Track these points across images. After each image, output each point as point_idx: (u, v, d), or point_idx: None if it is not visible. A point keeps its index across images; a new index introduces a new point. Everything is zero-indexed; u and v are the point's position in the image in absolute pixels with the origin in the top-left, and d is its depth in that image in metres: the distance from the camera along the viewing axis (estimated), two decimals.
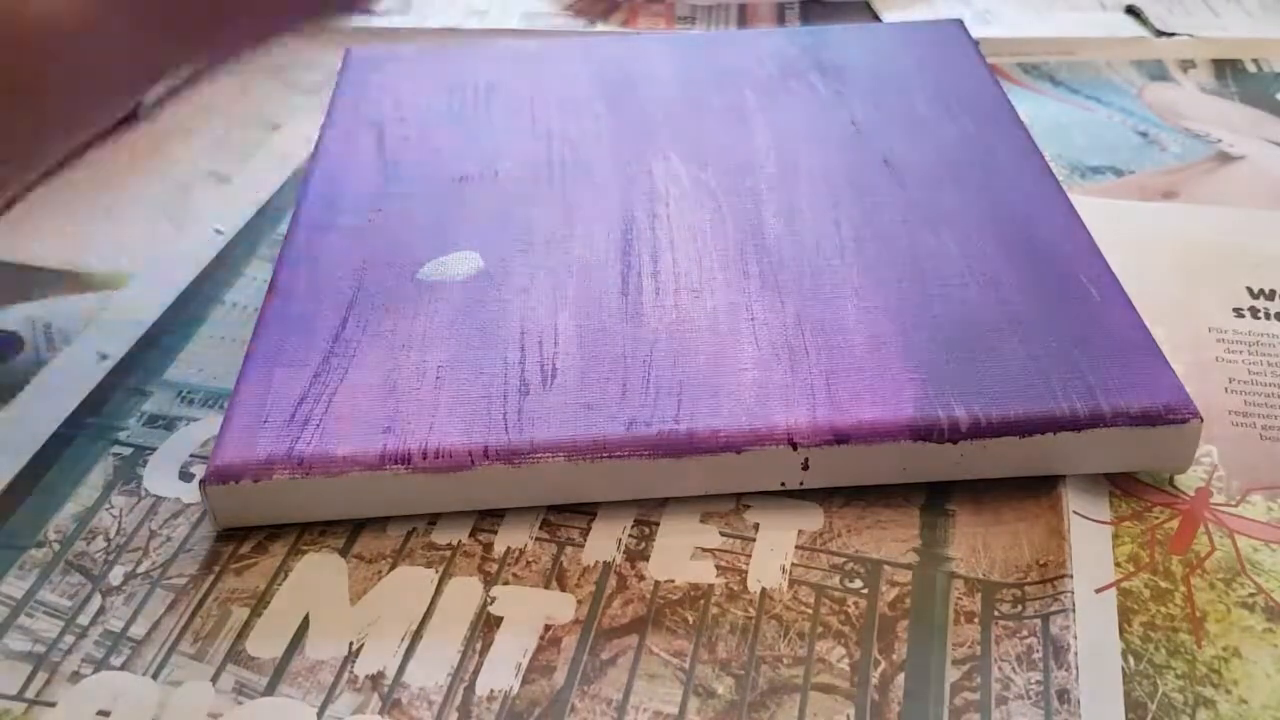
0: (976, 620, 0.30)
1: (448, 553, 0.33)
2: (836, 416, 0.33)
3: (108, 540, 0.34)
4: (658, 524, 0.33)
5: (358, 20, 0.64)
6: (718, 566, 0.32)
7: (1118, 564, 0.32)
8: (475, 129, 0.47)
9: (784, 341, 0.36)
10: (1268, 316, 0.40)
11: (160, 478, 0.35)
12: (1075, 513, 0.33)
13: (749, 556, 0.32)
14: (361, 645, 0.30)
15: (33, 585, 0.32)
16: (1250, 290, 0.41)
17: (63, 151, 0.32)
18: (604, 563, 0.32)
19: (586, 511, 0.34)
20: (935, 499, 0.34)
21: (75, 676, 0.30)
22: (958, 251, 0.39)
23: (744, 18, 0.64)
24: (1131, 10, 0.61)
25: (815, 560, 0.32)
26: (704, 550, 0.33)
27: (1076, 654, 0.29)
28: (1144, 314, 0.36)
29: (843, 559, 0.32)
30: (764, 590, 0.31)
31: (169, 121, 0.54)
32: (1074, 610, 0.30)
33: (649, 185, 0.43)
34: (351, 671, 0.30)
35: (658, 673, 0.30)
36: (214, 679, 0.30)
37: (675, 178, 0.44)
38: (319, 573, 0.32)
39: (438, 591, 0.32)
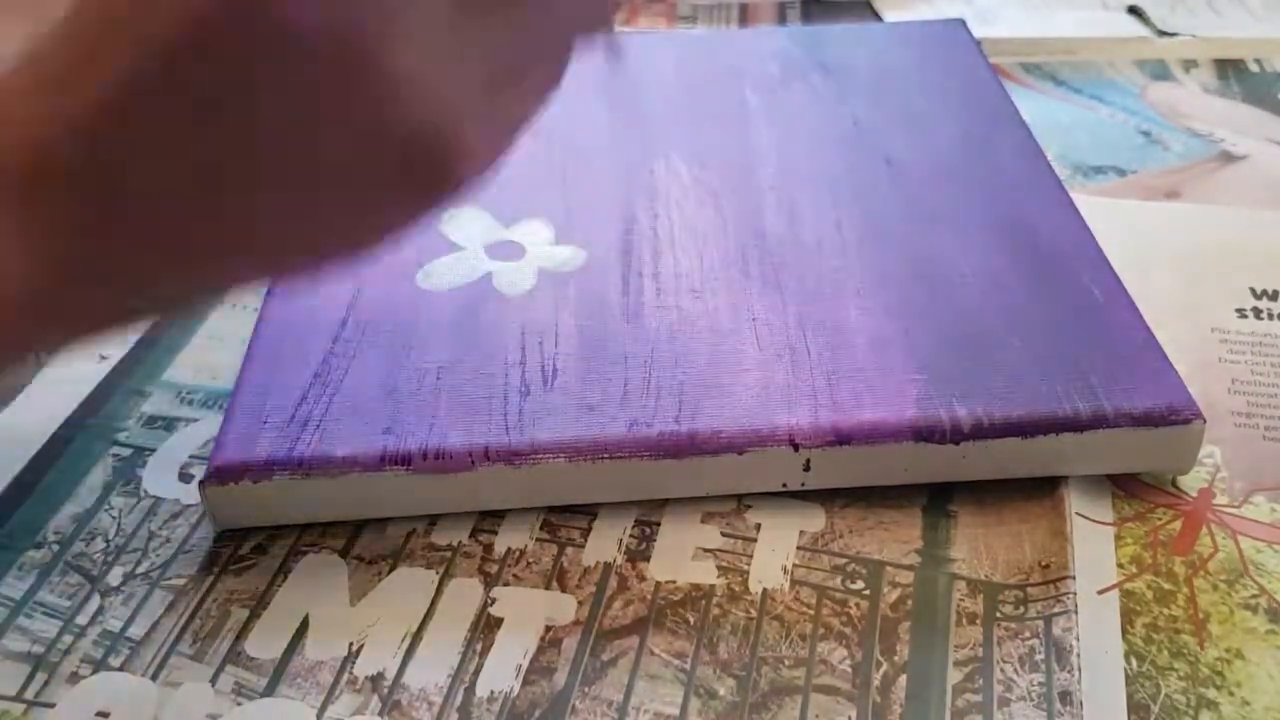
0: (979, 621, 0.30)
1: (448, 553, 0.33)
2: (838, 417, 0.33)
3: (107, 541, 0.33)
4: (659, 524, 0.33)
5: None
6: (719, 567, 0.32)
7: (1120, 565, 0.32)
8: None
9: (785, 342, 0.35)
10: (1271, 317, 0.40)
11: (159, 478, 0.35)
12: (1078, 514, 0.33)
13: (750, 557, 0.32)
14: (361, 646, 0.30)
15: (32, 586, 0.32)
16: (1253, 290, 0.41)
17: None
18: (605, 563, 0.32)
19: (587, 512, 0.34)
20: (937, 500, 0.34)
21: (74, 677, 0.30)
22: (959, 252, 0.39)
23: (745, 17, 0.64)
24: (1134, 10, 0.61)
25: (817, 561, 0.32)
26: (705, 551, 0.33)
27: (1079, 655, 0.29)
28: (1146, 314, 0.36)
29: (844, 560, 0.32)
30: (765, 591, 0.31)
31: None
32: (1076, 612, 0.30)
33: (650, 185, 0.43)
34: (351, 672, 0.30)
35: (659, 674, 0.29)
36: (213, 679, 0.30)
37: (676, 177, 0.43)
38: (319, 573, 0.32)
39: (438, 592, 0.32)
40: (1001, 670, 0.29)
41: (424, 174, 0.26)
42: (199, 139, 0.25)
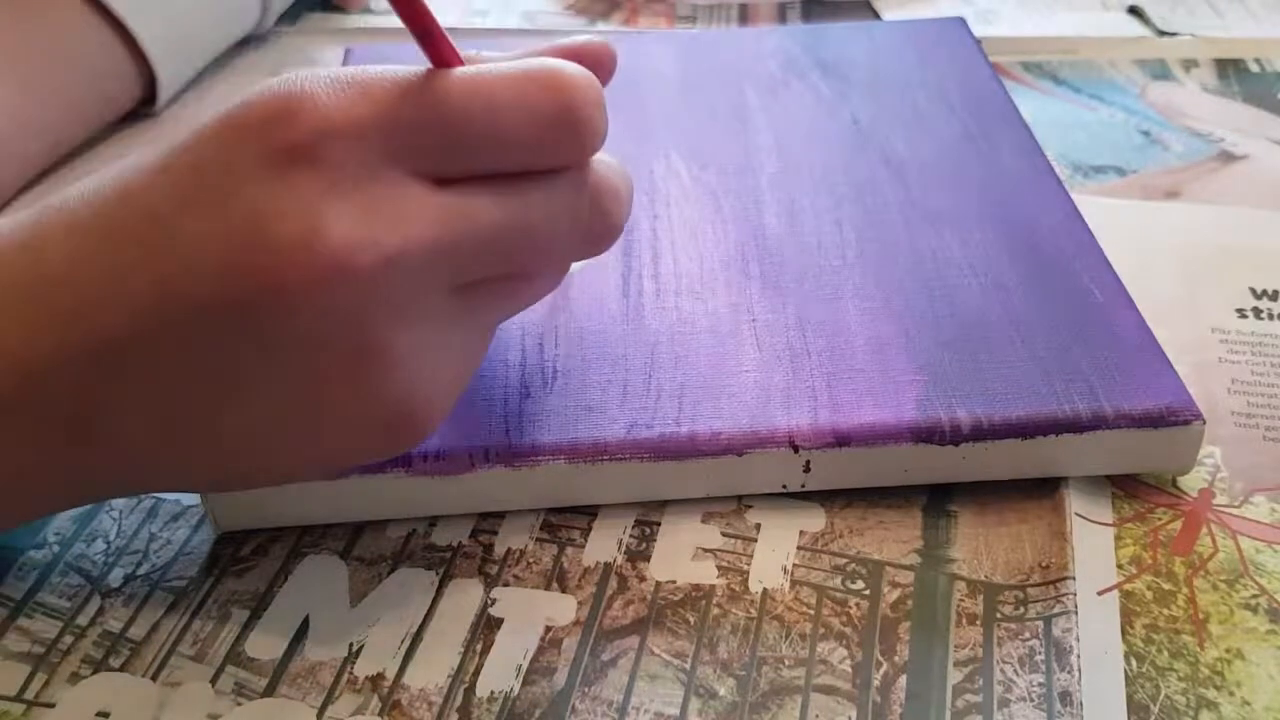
0: (979, 622, 0.30)
1: (448, 554, 0.33)
2: (838, 419, 0.33)
3: (107, 543, 0.33)
4: (659, 524, 0.33)
5: (357, 19, 0.64)
6: (719, 567, 0.32)
7: (1120, 566, 0.32)
8: None
9: (785, 343, 0.35)
10: (1271, 317, 0.40)
11: None
12: (1077, 514, 0.33)
13: (750, 557, 0.32)
14: (361, 646, 0.30)
15: (32, 586, 0.32)
16: (1253, 290, 0.41)
17: None
18: (605, 563, 0.32)
19: (587, 512, 0.34)
20: (937, 500, 0.34)
21: (74, 677, 0.30)
22: (960, 252, 0.39)
23: (745, 16, 0.64)
24: (1134, 10, 0.61)
25: (817, 561, 0.32)
26: (705, 551, 0.33)
27: (1079, 656, 0.29)
28: (1146, 314, 0.36)
29: (844, 560, 0.32)
30: (765, 591, 0.31)
31: (175, 121, 0.54)
32: (1076, 612, 0.30)
33: (649, 185, 0.43)
34: (351, 672, 0.30)
35: (659, 674, 0.29)
36: (213, 680, 0.30)
37: (676, 177, 0.43)
38: (319, 575, 0.32)
39: (438, 593, 0.32)
40: (1001, 670, 0.29)
41: (396, 440, 0.29)
42: (188, 392, 0.26)
